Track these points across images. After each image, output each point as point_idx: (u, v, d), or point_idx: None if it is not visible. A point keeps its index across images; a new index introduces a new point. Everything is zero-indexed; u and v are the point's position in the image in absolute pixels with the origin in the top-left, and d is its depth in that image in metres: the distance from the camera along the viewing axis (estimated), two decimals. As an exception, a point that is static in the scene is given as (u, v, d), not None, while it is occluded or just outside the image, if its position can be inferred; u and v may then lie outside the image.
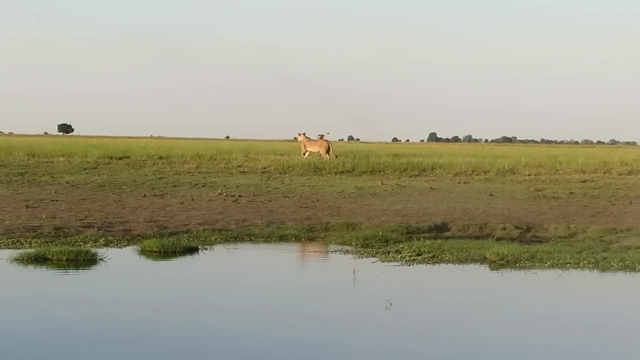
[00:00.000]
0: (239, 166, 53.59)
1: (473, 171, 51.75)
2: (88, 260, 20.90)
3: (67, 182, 40.97)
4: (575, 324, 15.95)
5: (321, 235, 25.90)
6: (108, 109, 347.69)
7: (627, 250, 23.08)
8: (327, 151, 57.96)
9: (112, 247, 23.23)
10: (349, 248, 23.77)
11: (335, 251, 23.40)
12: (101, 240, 23.90)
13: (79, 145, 74.16)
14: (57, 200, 32.98)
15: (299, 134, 60.52)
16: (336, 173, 49.64)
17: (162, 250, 22.55)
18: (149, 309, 16.55)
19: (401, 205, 33.26)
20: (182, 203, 32.99)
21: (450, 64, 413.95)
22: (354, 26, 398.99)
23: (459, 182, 45.10)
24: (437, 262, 21.62)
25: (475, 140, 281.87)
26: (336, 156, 57.46)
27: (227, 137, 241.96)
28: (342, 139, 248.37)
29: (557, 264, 21.22)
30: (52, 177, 43.39)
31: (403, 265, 21.21)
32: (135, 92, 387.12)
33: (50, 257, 20.91)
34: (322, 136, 60.63)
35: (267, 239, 25.20)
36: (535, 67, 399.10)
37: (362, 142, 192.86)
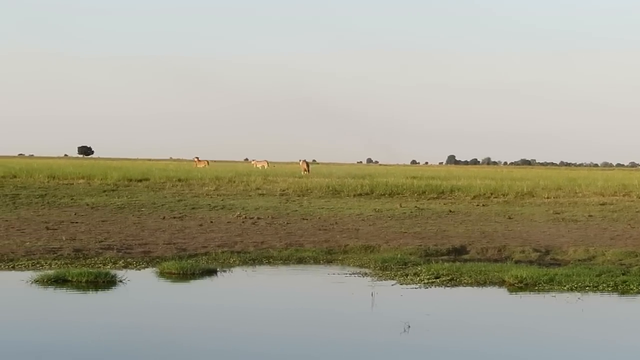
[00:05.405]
0: (258, 188, 53.75)
1: (492, 194, 51.70)
2: (107, 282, 20.97)
3: (87, 204, 41.20)
4: (593, 348, 15.89)
5: (339, 258, 25.89)
6: (128, 131, 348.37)
7: (647, 273, 22.96)
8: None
9: (131, 268, 23.28)
10: (367, 271, 23.74)
11: (354, 274, 23.37)
12: (120, 262, 23.97)
13: (99, 167, 74.47)
14: (77, 222, 33.17)
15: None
16: (354, 195, 49.73)
17: (181, 272, 22.56)
18: (168, 332, 16.58)
19: (419, 228, 33.27)
20: (200, 225, 33.10)
21: (468, 87, 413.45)
22: (371, 49, 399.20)
23: (477, 205, 45.09)
24: (456, 285, 21.59)
25: (494, 163, 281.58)
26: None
27: (246, 159, 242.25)
28: (361, 162, 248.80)
29: (576, 287, 21.15)
30: (72, 199, 43.63)
31: (421, 287, 21.18)
32: (154, 114, 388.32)
33: (70, 278, 20.96)
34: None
35: (286, 261, 25.22)
36: (554, 90, 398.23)
37: (380, 165, 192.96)
